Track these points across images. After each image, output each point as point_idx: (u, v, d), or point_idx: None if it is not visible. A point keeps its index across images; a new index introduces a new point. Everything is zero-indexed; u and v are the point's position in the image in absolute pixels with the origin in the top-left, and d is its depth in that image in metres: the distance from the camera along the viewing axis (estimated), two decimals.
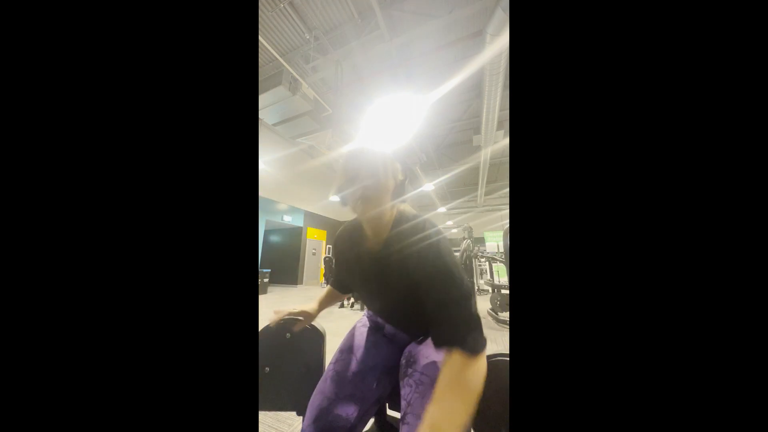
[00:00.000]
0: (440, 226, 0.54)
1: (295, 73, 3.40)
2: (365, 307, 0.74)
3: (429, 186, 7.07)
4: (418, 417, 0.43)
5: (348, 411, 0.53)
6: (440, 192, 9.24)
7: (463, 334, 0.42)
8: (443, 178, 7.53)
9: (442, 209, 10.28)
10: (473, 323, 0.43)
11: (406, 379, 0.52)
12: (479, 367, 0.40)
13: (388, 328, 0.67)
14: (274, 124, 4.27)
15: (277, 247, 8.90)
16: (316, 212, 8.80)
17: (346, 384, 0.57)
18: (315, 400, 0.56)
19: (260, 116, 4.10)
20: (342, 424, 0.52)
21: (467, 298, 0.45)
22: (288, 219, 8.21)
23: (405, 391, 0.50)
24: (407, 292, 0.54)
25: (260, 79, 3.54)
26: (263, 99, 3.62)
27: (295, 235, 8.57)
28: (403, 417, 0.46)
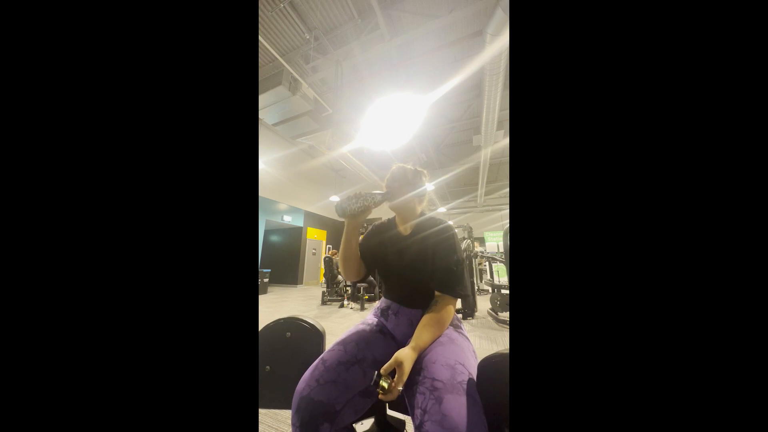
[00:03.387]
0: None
1: (295, 73, 3.40)
2: (381, 294, 0.90)
3: (429, 186, 7.06)
4: (438, 424, 0.44)
5: (329, 396, 0.54)
6: (440, 192, 9.24)
7: (453, 286, 0.71)
8: (443, 178, 7.53)
9: (442, 209, 10.28)
10: (460, 282, 0.72)
11: (417, 386, 0.52)
12: (451, 303, 0.70)
13: (390, 324, 0.77)
14: (274, 124, 4.27)
15: (277, 247, 8.91)
16: (316, 212, 8.80)
17: (330, 371, 0.58)
18: (298, 388, 0.57)
19: (260, 116, 4.10)
20: (323, 410, 0.52)
21: (461, 263, 0.73)
22: (288, 219, 8.23)
23: (418, 399, 0.50)
24: (423, 264, 0.75)
25: (260, 79, 3.54)
26: (263, 99, 3.62)
27: (295, 235, 8.56)
28: (420, 425, 0.46)
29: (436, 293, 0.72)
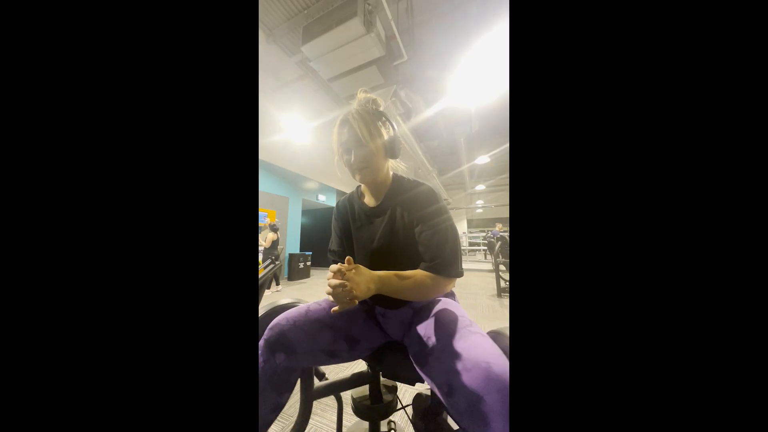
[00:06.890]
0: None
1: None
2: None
3: (484, 158, 6.30)
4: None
5: (295, 337, 0.57)
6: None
7: (447, 264, 0.58)
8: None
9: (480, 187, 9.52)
10: (450, 254, 0.58)
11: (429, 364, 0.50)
12: (443, 285, 0.59)
13: (378, 309, 0.69)
14: (330, 79, 3.54)
15: (315, 228, 8.29)
16: (347, 192, 8.17)
17: (306, 321, 0.60)
18: (279, 316, 0.61)
19: (316, 67, 3.37)
20: (286, 343, 0.56)
21: (451, 228, 0.60)
22: (322, 198, 7.56)
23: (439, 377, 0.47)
24: (404, 246, 0.63)
25: (327, 9, 2.79)
26: (322, 41, 2.87)
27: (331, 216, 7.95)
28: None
29: (429, 274, 0.58)
